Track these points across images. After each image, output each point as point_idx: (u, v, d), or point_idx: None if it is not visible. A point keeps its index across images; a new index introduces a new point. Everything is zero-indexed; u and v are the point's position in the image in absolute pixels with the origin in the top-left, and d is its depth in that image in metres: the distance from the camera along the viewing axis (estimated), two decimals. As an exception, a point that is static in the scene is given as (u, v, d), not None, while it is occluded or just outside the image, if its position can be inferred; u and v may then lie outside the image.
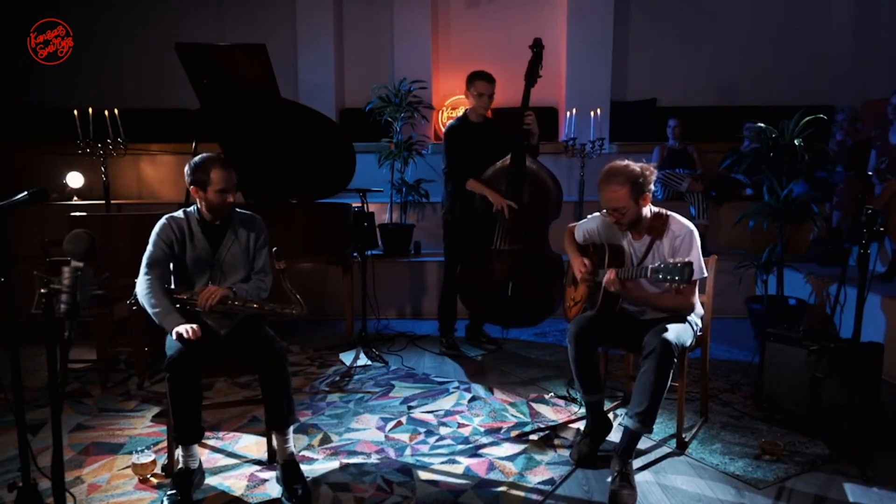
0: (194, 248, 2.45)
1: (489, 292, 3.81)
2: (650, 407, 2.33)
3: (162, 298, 2.33)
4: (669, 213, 2.58)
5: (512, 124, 3.78)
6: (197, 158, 2.45)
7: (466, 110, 3.89)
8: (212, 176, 2.38)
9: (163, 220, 2.46)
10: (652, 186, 2.46)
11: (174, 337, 2.25)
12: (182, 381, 2.24)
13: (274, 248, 2.42)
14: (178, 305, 2.36)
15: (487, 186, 3.74)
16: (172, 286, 2.47)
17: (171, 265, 2.46)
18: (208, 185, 2.39)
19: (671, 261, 2.24)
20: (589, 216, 2.79)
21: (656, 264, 2.30)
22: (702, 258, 2.51)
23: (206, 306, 2.33)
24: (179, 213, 2.51)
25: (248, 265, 2.54)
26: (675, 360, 2.37)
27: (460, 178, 3.80)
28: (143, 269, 2.39)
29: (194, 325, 2.26)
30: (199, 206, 2.49)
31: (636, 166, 2.43)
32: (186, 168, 2.45)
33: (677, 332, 2.41)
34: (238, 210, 2.56)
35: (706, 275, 2.57)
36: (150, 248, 2.42)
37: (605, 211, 2.56)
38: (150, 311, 2.33)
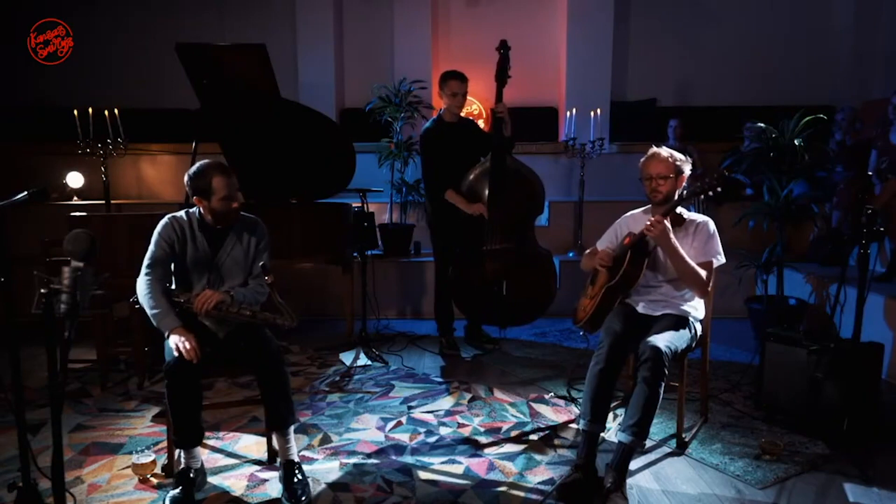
0: (195, 250, 2.43)
1: (484, 294, 3.82)
2: (642, 418, 2.33)
3: (161, 300, 2.32)
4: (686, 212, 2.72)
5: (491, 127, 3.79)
6: (194, 167, 2.38)
7: (441, 111, 3.87)
8: (214, 184, 2.33)
9: (165, 220, 2.44)
10: (687, 172, 2.65)
11: (172, 346, 2.23)
12: (181, 387, 2.24)
13: (262, 263, 2.34)
14: (176, 308, 2.35)
15: (468, 193, 3.75)
16: (172, 286, 2.46)
17: (172, 265, 2.45)
18: (212, 194, 2.34)
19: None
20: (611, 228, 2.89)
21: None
22: (720, 244, 2.61)
23: (201, 311, 2.32)
24: (182, 214, 2.47)
25: (247, 269, 2.50)
26: (667, 371, 2.36)
27: (439, 185, 3.79)
28: (144, 268, 2.38)
29: (191, 343, 2.21)
30: (202, 213, 2.44)
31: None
32: (185, 178, 2.38)
33: (670, 339, 2.43)
34: (241, 213, 2.52)
35: (724, 260, 2.62)
36: (151, 247, 2.40)
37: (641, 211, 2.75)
38: (148, 311, 2.32)
